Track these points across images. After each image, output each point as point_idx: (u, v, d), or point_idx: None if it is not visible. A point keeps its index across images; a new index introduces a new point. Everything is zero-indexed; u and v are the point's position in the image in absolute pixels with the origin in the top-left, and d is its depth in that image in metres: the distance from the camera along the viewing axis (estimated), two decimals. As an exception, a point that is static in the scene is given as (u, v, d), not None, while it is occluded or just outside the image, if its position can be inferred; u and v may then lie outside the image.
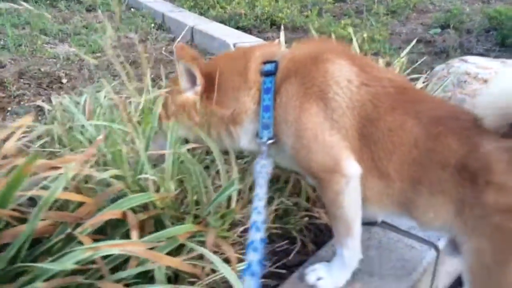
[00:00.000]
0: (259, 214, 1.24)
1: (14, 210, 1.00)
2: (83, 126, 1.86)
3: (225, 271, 1.19)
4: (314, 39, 1.71)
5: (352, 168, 1.41)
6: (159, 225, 1.38)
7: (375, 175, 1.41)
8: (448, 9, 6.34)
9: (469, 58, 2.84)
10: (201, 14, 5.89)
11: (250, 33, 5.25)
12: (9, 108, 2.97)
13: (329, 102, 1.42)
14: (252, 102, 1.54)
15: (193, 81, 1.61)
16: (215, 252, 1.35)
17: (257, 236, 1.17)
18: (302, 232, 1.86)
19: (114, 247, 0.96)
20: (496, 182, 1.20)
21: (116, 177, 1.35)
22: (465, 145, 1.27)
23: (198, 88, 1.60)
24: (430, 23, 5.95)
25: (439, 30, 5.57)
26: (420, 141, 1.33)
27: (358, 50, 2.81)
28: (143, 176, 1.31)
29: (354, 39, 2.68)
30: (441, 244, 1.80)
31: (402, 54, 2.75)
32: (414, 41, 3.22)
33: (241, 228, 1.60)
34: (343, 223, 1.50)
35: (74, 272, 0.93)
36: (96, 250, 0.93)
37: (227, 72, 1.59)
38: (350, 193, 1.43)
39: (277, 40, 1.82)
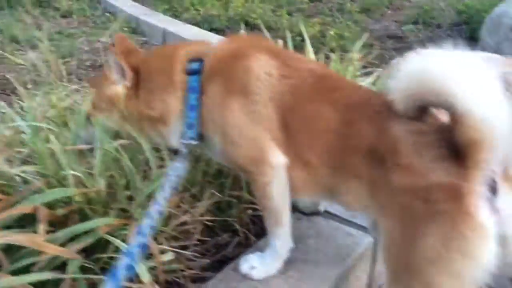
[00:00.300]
0: (150, 219, 1.28)
1: None
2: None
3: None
4: (240, 35, 1.74)
5: (277, 159, 1.45)
6: (86, 220, 1.40)
7: (299, 164, 1.44)
8: (421, 5, 6.40)
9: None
10: (175, 17, 5.91)
11: (223, 34, 5.29)
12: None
13: (250, 96, 1.45)
14: (179, 102, 1.56)
15: (123, 74, 1.63)
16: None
17: (139, 240, 1.20)
18: (247, 225, 1.89)
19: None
20: (403, 163, 1.22)
21: (41, 174, 1.38)
22: (375, 129, 1.30)
23: (127, 81, 1.62)
24: (404, 20, 6.02)
25: (411, 26, 5.64)
26: (336, 127, 1.37)
27: (327, 47, 2.87)
28: (64, 172, 1.34)
29: (304, 37, 2.73)
30: (379, 231, 1.84)
31: (355, 48, 2.79)
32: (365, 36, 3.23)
33: (176, 221, 1.63)
34: (272, 214, 1.53)
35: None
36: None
37: (154, 71, 1.61)
38: (278, 184, 1.47)
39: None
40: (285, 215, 1.54)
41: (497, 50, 3.69)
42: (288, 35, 2.86)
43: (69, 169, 1.35)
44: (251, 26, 5.53)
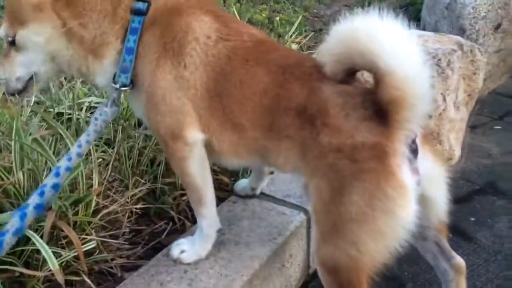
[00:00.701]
0: (68, 160, 1.25)
1: None
2: None
3: (45, 253, 1.21)
4: None
5: (193, 135, 1.45)
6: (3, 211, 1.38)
7: (229, 128, 1.44)
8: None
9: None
10: None
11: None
12: None
13: (184, 58, 1.42)
14: (115, 37, 1.48)
15: None
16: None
17: (51, 181, 1.18)
18: (185, 212, 1.91)
19: None
20: (331, 124, 1.26)
21: None
22: (306, 89, 1.33)
23: None
24: (354, 4, 6.10)
25: (359, 9, 5.72)
26: (268, 88, 1.38)
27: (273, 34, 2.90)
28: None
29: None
30: (312, 208, 1.88)
31: (291, 31, 2.82)
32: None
33: (105, 211, 1.63)
34: (194, 191, 1.55)
35: None
36: None
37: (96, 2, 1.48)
38: (195, 160, 1.49)
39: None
40: (208, 194, 1.56)
41: (435, 29, 3.80)
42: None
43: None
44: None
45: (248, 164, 1.73)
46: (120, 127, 1.94)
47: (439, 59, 2.63)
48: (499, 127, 3.37)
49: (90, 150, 1.65)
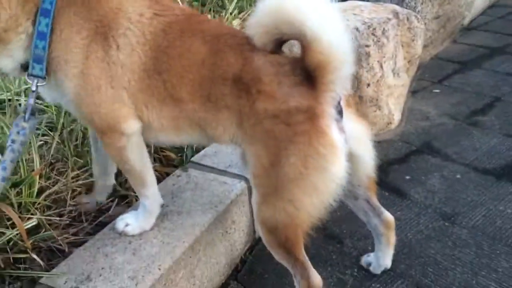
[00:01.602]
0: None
1: None
2: None
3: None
4: None
5: (131, 126, 1.46)
6: None
7: (169, 103, 1.45)
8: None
9: None
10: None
11: None
12: None
13: (118, 40, 1.39)
14: (25, 19, 1.36)
15: None
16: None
17: None
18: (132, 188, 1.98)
19: None
20: (265, 91, 1.33)
21: None
22: (240, 59, 1.38)
23: None
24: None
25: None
26: (205, 58, 1.41)
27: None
28: None
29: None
30: (252, 176, 2.00)
31: (231, 8, 2.87)
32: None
33: (47, 192, 1.70)
34: (135, 176, 1.60)
35: None
36: None
37: None
38: (133, 148, 1.51)
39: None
40: (148, 176, 1.61)
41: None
42: None
43: None
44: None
45: (188, 140, 1.70)
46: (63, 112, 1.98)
47: (374, 28, 2.75)
48: (438, 91, 3.56)
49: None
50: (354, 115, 1.48)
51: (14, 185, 1.55)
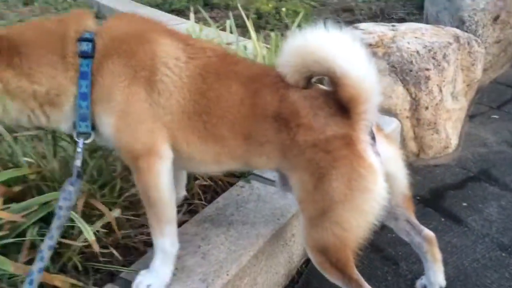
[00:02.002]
0: (40, 260, 1.32)
1: None
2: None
3: (82, 227, 1.42)
4: (127, 14, 1.69)
5: (167, 152, 1.52)
6: (42, 193, 1.58)
7: (211, 140, 1.53)
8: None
9: (361, 25, 3.08)
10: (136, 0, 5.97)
11: (184, 15, 5.39)
12: None
13: (157, 86, 1.47)
14: (72, 83, 1.48)
15: None
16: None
17: (39, 266, 1.30)
18: (198, 195, 2.10)
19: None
20: (304, 123, 1.45)
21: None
22: (277, 97, 1.49)
23: None
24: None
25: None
26: (243, 99, 1.51)
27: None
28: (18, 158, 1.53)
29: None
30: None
31: (294, 25, 2.95)
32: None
33: (128, 194, 1.84)
34: (161, 208, 1.54)
35: None
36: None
37: (40, 46, 1.49)
38: (166, 174, 1.52)
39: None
40: (173, 211, 1.58)
41: (436, 19, 3.92)
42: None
43: (22, 154, 1.52)
44: (210, 6, 5.64)
45: (229, 169, 1.77)
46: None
47: (435, 52, 2.78)
48: (496, 116, 3.52)
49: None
50: (384, 139, 1.59)
51: (101, 186, 1.69)
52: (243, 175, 2.23)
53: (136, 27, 1.57)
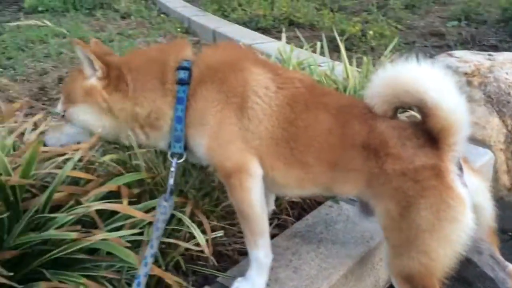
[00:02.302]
0: (145, 265, 1.40)
1: (33, 185, 1.40)
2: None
3: (195, 232, 1.54)
4: (223, 44, 1.85)
5: (257, 170, 1.59)
6: (153, 198, 1.74)
7: (296, 166, 1.60)
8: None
9: (456, 52, 3.04)
10: (224, 16, 6.26)
11: (269, 33, 5.58)
12: (50, 111, 3.46)
13: (247, 112, 1.57)
14: (169, 108, 1.61)
15: (94, 67, 1.64)
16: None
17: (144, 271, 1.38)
18: (286, 210, 2.19)
19: (99, 205, 1.33)
20: (393, 153, 1.49)
21: (120, 161, 1.74)
22: (365, 127, 1.54)
23: (98, 73, 1.63)
24: (449, 16, 6.05)
25: (456, 22, 5.68)
26: (332, 129, 1.58)
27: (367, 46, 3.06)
28: (136, 162, 1.69)
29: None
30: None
31: (386, 51, 2.98)
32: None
33: (224, 204, 1.96)
34: (253, 221, 1.62)
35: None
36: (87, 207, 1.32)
37: (144, 73, 1.65)
38: (257, 190, 1.59)
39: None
40: (266, 224, 1.65)
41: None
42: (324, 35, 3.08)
43: (142, 159, 1.69)
44: (295, 25, 5.78)
45: (311, 194, 1.86)
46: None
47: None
48: None
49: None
50: (471, 170, 1.59)
51: (204, 195, 1.83)
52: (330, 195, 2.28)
53: (230, 56, 1.69)
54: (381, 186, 1.51)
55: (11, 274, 1.19)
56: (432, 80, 1.44)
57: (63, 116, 1.70)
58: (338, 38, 3.07)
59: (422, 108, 1.46)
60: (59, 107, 1.73)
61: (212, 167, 1.71)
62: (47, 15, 6.63)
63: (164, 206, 1.54)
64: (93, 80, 1.64)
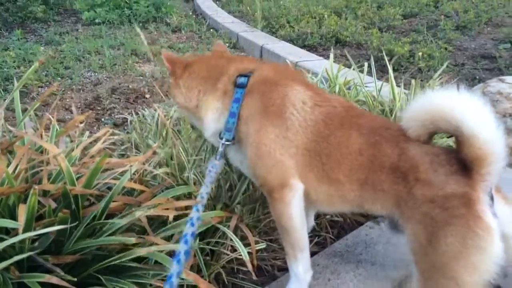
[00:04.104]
0: (196, 211, 1.48)
1: (91, 194, 1.51)
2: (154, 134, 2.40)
3: (239, 246, 1.61)
4: (277, 63, 2.03)
5: (297, 184, 1.67)
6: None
7: (326, 182, 1.65)
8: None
9: (507, 78, 2.99)
10: (272, 33, 6.37)
11: (316, 51, 5.63)
12: (103, 119, 3.65)
13: (286, 121, 1.67)
14: (224, 105, 1.80)
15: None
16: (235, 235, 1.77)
17: (189, 230, 1.40)
18: (326, 228, 2.22)
19: (152, 212, 1.42)
20: (423, 178, 1.50)
21: (170, 174, 1.84)
22: (396, 150, 1.57)
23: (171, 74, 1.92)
24: (502, 38, 5.90)
25: (509, 45, 5.53)
26: (363, 149, 1.61)
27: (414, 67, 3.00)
28: (186, 174, 1.78)
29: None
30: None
31: (436, 75, 2.96)
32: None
33: (267, 220, 2.02)
34: (293, 235, 1.69)
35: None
36: (139, 215, 1.41)
37: (202, 74, 1.88)
38: (297, 205, 1.67)
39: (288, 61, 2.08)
40: (304, 238, 1.71)
41: None
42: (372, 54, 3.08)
43: (191, 172, 1.78)
44: (342, 44, 5.80)
45: (339, 211, 1.92)
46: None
47: None
48: None
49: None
50: (503, 200, 1.56)
51: (251, 209, 1.90)
52: (371, 216, 2.29)
53: (278, 74, 1.82)
54: (409, 210, 1.53)
55: (75, 279, 1.27)
56: (469, 109, 1.44)
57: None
58: (386, 58, 3.07)
59: (458, 136, 1.47)
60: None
61: (255, 179, 1.79)
62: (103, 27, 6.97)
63: (215, 164, 1.72)
64: (171, 81, 1.92)
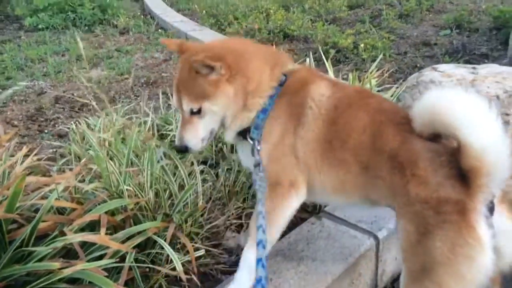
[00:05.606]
0: (263, 233, 1.38)
1: (21, 214, 1.48)
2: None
3: (173, 257, 1.62)
4: (309, 68, 2.14)
5: (303, 191, 1.72)
6: (138, 223, 1.82)
7: (336, 164, 1.66)
8: (462, 8, 6.42)
9: (440, 66, 3.11)
10: (221, 30, 6.36)
11: (265, 47, 5.66)
12: (46, 131, 3.55)
13: (302, 118, 1.70)
14: (266, 98, 1.78)
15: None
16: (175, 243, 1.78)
17: (263, 253, 1.30)
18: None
19: (78, 237, 1.41)
20: (419, 175, 1.46)
21: (104, 188, 1.82)
22: (398, 137, 1.53)
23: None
24: (441, 25, 6.10)
25: (448, 31, 5.73)
26: (366, 126, 1.60)
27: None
28: (121, 187, 1.78)
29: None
30: (381, 234, 2.15)
31: (373, 66, 3.05)
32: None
33: (208, 226, 2.04)
34: (274, 227, 1.71)
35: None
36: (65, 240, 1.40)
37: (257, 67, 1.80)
38: (293, 209, 1.73)
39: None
40: (276, 238, 1.77)
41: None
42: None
43: (125, 185, 1.78)
44: (290, 38, 5.86)
45: (354, 201, 1.79)
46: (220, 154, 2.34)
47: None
48: None
49: (196, 174, 2.07)
50: (505, 211, 1.52)
51: (187, 216, 1.91)
52: (314, 211, 2.35)
53: (307, 75, 1.85)
54: (404, 206, 1.51)
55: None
56: (467, 114, 1.35)
57: (198, 111, 1.76)
58: (322, 51, 3.13)
59: (458, 142, 1.40)
60: (186, 106, 1.77)
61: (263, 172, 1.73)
62: (47, 33, 6.76)
63: (261, 177, 1.62)
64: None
